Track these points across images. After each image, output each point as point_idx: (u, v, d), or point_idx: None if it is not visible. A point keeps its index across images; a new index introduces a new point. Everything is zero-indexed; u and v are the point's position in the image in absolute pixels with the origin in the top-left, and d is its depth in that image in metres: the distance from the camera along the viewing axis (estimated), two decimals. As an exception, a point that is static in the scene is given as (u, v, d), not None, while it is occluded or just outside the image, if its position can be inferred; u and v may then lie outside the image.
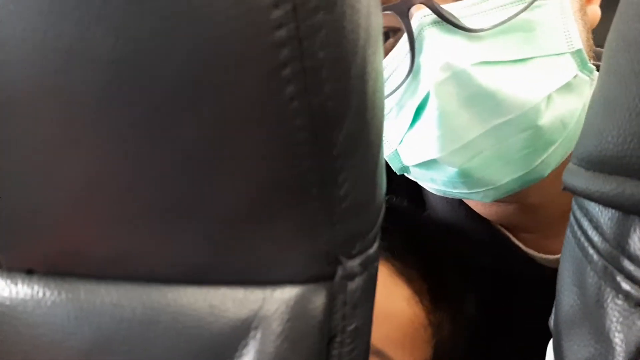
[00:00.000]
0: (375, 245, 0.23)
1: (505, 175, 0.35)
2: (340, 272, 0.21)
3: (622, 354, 0.22)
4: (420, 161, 0.37)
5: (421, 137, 0.36)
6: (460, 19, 0.33)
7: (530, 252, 0.45)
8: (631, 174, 0.21)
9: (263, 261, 0.20)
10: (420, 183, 0.43)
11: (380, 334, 0.40)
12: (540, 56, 0.33)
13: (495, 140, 0.34)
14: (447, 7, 0.33)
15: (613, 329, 0.22)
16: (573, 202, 0.26)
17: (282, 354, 0.20)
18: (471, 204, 0.47)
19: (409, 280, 0.44)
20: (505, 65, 0.32)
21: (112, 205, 0.19)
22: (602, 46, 0.24)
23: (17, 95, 0.17)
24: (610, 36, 0.23)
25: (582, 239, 0.25)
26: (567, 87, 0.33)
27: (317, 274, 0.21)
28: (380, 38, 0.22)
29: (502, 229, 0.46)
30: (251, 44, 0.16)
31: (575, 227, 0.26)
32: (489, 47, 0.32)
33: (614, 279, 0.22)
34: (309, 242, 0.20)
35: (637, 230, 0.21)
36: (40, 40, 0.16)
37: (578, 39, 0.34)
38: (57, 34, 0.16)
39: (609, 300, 0.23)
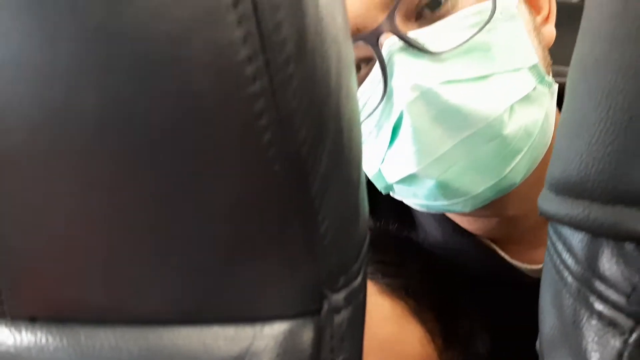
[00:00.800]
0: (360, 278, 0.24)
1: (479, 185, 0.38)
2: (326, 306, 0.23)
3: (599, 375, 0.23)
4: (402, 177, 0.40)
5: (400, 153, 0.39)
6: (424, 44, 0.37)
7: (516, 263, 0.47)
8: (595, 198, 0.22)
9: (252, 299, 0.21)
10: (405, 201, 0.46)
11: None
12: (499, 72, 0.36)
13: (466, 151, 0.36)
14: (412, 34, 0.37)
15: (589, 348, 0.23)
16: (549, 227, 0.28)
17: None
18: (457, 220, 0.49)
19: (423, 321, 0.44)
20: (467, 82, 0.36)
21: (104, 255, 0.20)
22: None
23: (10, 151, 0.19)
24: (572, 63, 0.25)
25: (558, 262, 0.26)
26: (527, 99, 0.36)
27: (304, 309, 0.22)
28: (354, 74, 0.24)
29: (489, 243, 0.48)
30: (228, 97, 0.18)
31: (552, 251, 0.27)
32: (452, 67, 0.36)
33: (588, 300, 0.24)
34: (293, 279, 0.21)
35: (605, 251, 0.23)
36: (34, 101, 0.18)
37: (533, 55, 0.37)
38: (49, 96, 0.18)
39: (584, 321, 0.24)
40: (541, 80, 0.38)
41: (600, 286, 0.23)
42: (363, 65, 0.42)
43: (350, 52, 0.23)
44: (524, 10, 0.39)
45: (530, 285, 0.42)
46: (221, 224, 0.20)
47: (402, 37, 0.36)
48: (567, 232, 0.25)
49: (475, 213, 0.44)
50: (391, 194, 0.45)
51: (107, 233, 0.20)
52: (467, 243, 0.48)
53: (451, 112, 0.35)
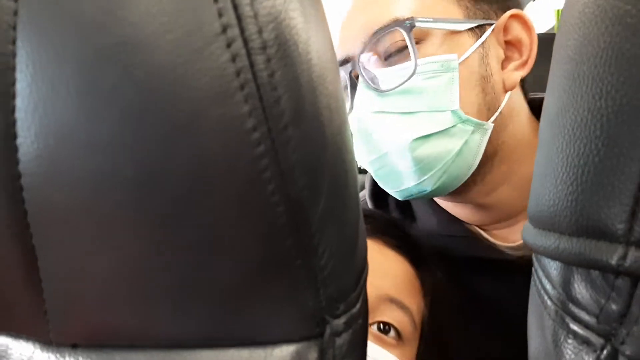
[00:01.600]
0: (358, 306, 0.27)
1: (401, 184, 0.51)
2: (328, 330, 0.26)
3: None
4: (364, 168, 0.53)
5: (359, 151, 0.52)
6: (381, 81, 0.49)
7: (496, 242, 0.57)
8: (563, 231, 0.25)
9: (263, 325, 0.25)
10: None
11: (388, 284, 0.51)
12: (424, 111, 0.47)
13: (386, 162, 0.49)
14: (378, 70, 0.49)
15: (567, 366, 0.26)
16: (533, 255, 0.30)
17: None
18: (449, 208, 0.60)
19: (398, 249, 0.54)
20: (396, 114, 0.48)
21: (136, 290, 0.24)
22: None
23: (61, 207, 0.23)
24: (542, 112, 0.28)
25: (539, 287, 0.29)
26: (446, 133, 0.47)
27: (309, 333, 0.25)
28: (348, 128, 0.28)
29: (475, 228, 0.58)
30: (238, 158, 0.21)
31: (535, 278, 0.30)
32: (390, 102, 0.48)
33: (564, 321, 0.26)
34: (298, 306, 0.25)
35: (576, 278, 0.25)
36: (83, 169, 0.22)
37: (457, 102, 0.47)
38: (95, 163, 0.22)
39: (562, 340, 0.26)
40: (462, 120, 0.47)
41: (574, 308, 0.26)
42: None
43: (343, 110, 0.26)
44: (475, 63, 0.48)
45: (509, 262, 0.54)
46: (235, 261, 0.23)
47: (363, 78, 0.49)
48: (545, 261, 0.28)
49: (453, 199, 0.56)
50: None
51: (140, 274, 0.23)
52: (455, 228, 0.58)
53: (372, 134, 0.49)
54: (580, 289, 0.25)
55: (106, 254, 0.23)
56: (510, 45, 0.51)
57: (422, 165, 0.49)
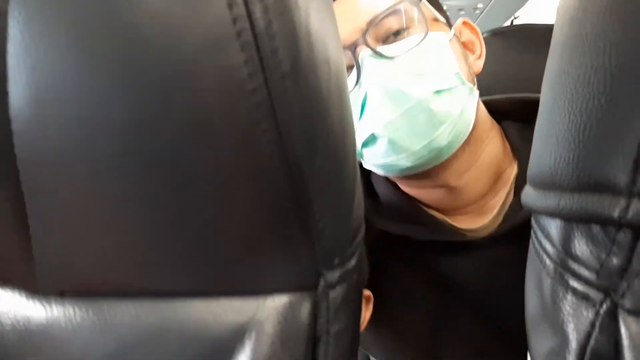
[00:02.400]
0: (354, 261, 0.27)
1: (416, 143, 0.53)
2: (322, 282, 0.25)
3: (574, 342, 0.25)
4: (366, 138, 0.56)
5: (366, 122, 0.55)
6: (387, 53, 0.54)
7: (456, 224, 0.61)
8: (564, 188, 0.24)
9: (256, 275, 0.24)
10: (367, 165, 0.61)
11: None
12: (433, 72, 0.53)
13: (407, 118, 0.52)
14: (378, 48, 0.54)
15: (566, 321, 0.25)
16: (532, 218, 0.30)
17: (274, 352, 0.24)
18: (413, 192, 0.63)
19: None
20: (409, 75, 0.53)
21: (128, 236, 0.23)
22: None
23: (52, 153, 0.22)
24: (544, 78, 0.28)
25: (538, 248, 0.28)
26: (452, 91, 0.54)
27: (303, 284, 0.25)
28: (346, 85, 0.27)
29: (436, 213, 0.62)
30: (233, 108, 0.21)
31: (534, 239, 0.29)
32: (400, 66, 0.53)
33: (564, 279, 0.26)
34: (292, 257, 0.24)
35: (577, 234, 0.25)
36: (75, 115, 0.21)
37: (456, 66, 0.55)
38: (88, 110, 0.21)
39: (561, 297, 0.26)
40: (462, 83, 0.54)
41: (573, 265, 0.25)
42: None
43: (342, 68, 0.26)
44: (456, 46, 0.58)
45: (470, 243, 0.58)
46: (231, 211, 0.22)
47: (370, 47, 0.54)
48: (545, 221, 0.27)
49: (424, 184, 0.59)
50: (361, 161, 0.61)
51: (132, 220, 0.23)
52: (419, 214, 0.62)
53: (395, 92, 0.52)
54: (581, 245, 0.25)
55: (98, 200, 0.22)
56: (465, 45, 0.61)
57: (436, 120, 0.52)
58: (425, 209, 0.63)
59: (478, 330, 0.60)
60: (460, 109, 0.54)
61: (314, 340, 0.25)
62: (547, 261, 0.27)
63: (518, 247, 0.57)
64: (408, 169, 0.56)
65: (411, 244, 0.61)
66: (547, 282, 0.27)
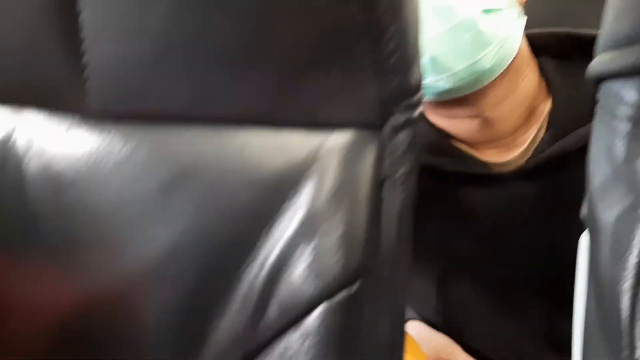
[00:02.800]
0: (417, 111, 0.25)
1: (459, 64, 0.51)
2: (389, 123, 0.24)
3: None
4: None
5: (427, 26, 0.51)
6: None
7: (486, 160, 0.59)
8: None
9: (321, 106, 0.23)
10: None
11: None
12: None
13: (451, 36, 0.50)
14: None
15: (642, 177, 0.24)
16: (599, 94, 0.29)
17: (340, 188, 0.22)
18: (445, 124, 0.61)
19: None
20: None
21: (189, 52, 0.22)
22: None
23: None
24: None
25: (608, 117, 0.27)
26: (499, 13, 0.52)
27: (369, 121, 0.23)
28: None
29: (463, 146, 0.61)
30: None
31: (602, 112, 0.28)
32: None
33: (640, 136, 0.24)
34: (361, 89, 0.23)
35: None
36: None
37: None
38: None
39: (637, 155, 0.24)
40: (511, 5, 0.52)
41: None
42: None
43: None
44: None
45: (495, 176, 0.58)
46: (300, 27, 0.21)
47: None
48: (618, 86, 0.26)
49: (457, 113, 0.58)
50: None
51: (194, 33, 0.22)
52: (446, 145, 0.61)
53: (443, 7, 0.50)
54: None
55: (158, 8, 0.21)
56: None
57: (483, 40, 0.51)
58: (452, 141, 0.61)
59: (491, 274, 0.59)
60: (507, 32, 0.52)
61: (379, 181, 0.23)
62: (621, 126, 0.26)
63: (543, 183, 0.57)
64: (446, 92, 0.54)
65: (434, 177, 0.59)
66: (620, 146, 0.26)
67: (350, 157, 0.23)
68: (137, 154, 0.22)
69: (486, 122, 0.57)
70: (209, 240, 0.21)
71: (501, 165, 0.59)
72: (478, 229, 0.60)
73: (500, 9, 0.52)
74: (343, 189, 0.22)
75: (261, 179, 0.22)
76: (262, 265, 0.21)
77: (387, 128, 0.24)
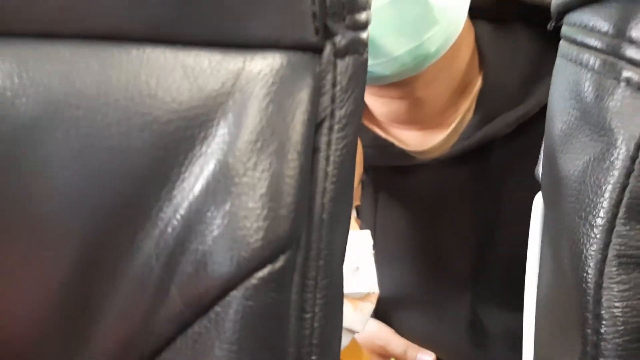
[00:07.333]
0: (365, 33, 0.21)
1: (401, 47, 0.44)
2: (329, 45, 0.19)
3: (624, 143, 0.21)
4: None
5: None
6: None
7: (409, 150, 0.56)
8: None
9: (241, 19, 0.17)
10: None
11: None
12: None
13: (394, 11, 0.42)
14: None
15: (614, 119, 0.21)
16: (563, 27, 0.25)
17: (264, 128, 0.18)
18: (371, 103, 0.56)
19: None
20: None
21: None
22: None
23: None
24: None
25: (575, 51, 0.23)
26: None
27: (304, 41, 0.18)
28: None
29: (386, 136, 0.57)
30: None
31: (567, 47, 0.24)
32: None
33: (614, 68, 0.21)
34: (293, -1, 0.18)
35: (638, 14, 0.20)
36: None
37: None
38: None
39: (608, 92, 0.21)
40: None
41: (630, 50, 0.21)
42: None
43: None
44: None
45: (420, 165, 0.54)
46: None
47: None
48: (588, 15, 0.23)
49: (385, 94, 0.52)
50: None
51: None
52: (366, 133, 0.56)
53: None
54: None
55: None
56: None
57: (431, 17, 0.43)
58: (375, 128, 0.57)
59: (421, 260, 0.58)
60: (456, 6, 0.44)
61: (314, 123, 0.19)
62: (591, 59, 0.22)
63: (469, 169, 0.53)
64: (382, 78, 0.47)
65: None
66: (589, 82, 0.22)
67: (279, 88, 0.18)
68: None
69: (416, 103, 0.52)
70: (89, 203, 0.16)
71: (425, 152, 0.55)
72: (406, 217, 0.58)
73: None
74: (268, 131, 0.18)
75: (161, 116, 0.17)
76: (159, 238, 0.16)
77: (328, 51, 0.19)
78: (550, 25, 0.27)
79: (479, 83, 0.52)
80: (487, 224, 0.55)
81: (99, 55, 0.17)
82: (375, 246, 0.51)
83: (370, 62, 0.44)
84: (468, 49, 0.52)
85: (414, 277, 0.60)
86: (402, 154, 0.55)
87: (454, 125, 0.53)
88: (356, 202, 0.59)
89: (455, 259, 0.57)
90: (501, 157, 0.52)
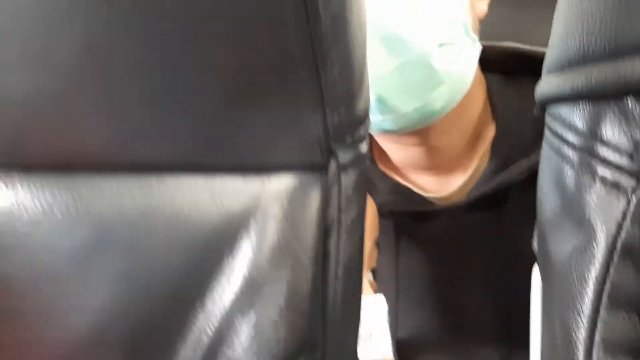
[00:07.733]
0: (365, 146, 0.24)
1: (408, 105, 0.47)
2: (334, 163, 0.22)
3: (602, 236, 0.23)
4: None
5: (379, 59, 0.47)
6: None
7: (425, 194, 0.58)
8: (596, 59, 0.22)
9: (258, 147, 0.21)
10: None
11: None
12: (435, 20, 0.46)
13: (401, 74, 0.46)
14: None
15: (593, 214, 0.23)
16: (546, 117, 0.28)
17: (283, 240, 0.20)
18: (384, 145, 0.58)
19: None
20: (410, 21, 0.45)
21: (107, 93, 0.19)
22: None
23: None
24: None
25: (557, 142, 0.26)
26: (453, 46, 0.47)
27: (312, 162, 0.21)
28: None
29: (405, 182, 0.60)
30: None
31: (550, 136, 0.27)
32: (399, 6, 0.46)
33: (590, 167, 0.24)
34: (301, 127, 0.21)
35: (608, 114, 0.23)
36: None
37: (465, 14, 0.48)
38: None
39: (586, 189, 0.24)
40: (467, 34, 0.48)
41: (602, 150, 0.23)
42: None
43: None
44: None
45: (439, 211, 0.56)
46: (231, 61, 0.19)
47: None
48: (566, 111, 0.25)
49: (400, 140, 0.55)
50: None
51: (109, 73, 0.19)
52: (385, 179, 0.59)
53: (395, 38, 0.45)
54: (612, 126, 0.23)
55: (69, 41, 0.18)
56: None
57: (436, 79, 0.46)
58: (393, 174, 0.59)
59: (443, 306, 0.58)
60: (462, 68, 0.47)
61: (324, 229, 0.22)
62: (570, 153, 0.25)
63: (488, 216, 0.55)
64: (391, 131, 0.50)
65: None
66: (570, 176, 0.25)
67: (292, 207, 0.21)
68: (52, 211, 0.20)
69: (431, 150, 0.55)
70: (135, 316, 0.18)
71: (443, 199, 0.57)
72: (428, 262, 0.58)
73: (454, 42, 0.47)
74: (284, 247, 0.20)
75: (194, 236, 0.20)
76: (196, 347, 0.19)
77: (333, 168, 0.22)
78: (535, 111, 0.30)
79: (492, 131, 0.55)
80: (508, 270, 0.55)
81: (141, 185, 0.20)
82: (398, 288, 0.54)
83: (380, 117, 0.49)
84: (480, 100, 0.55)
85: (439, 322, 0.59)
86: (421, 199, 0.57)
87: (470, 171, 0.55)
88: (372, 264, 0.60)
89: (480, 306, 0.57)
90: (517, 204, 0.54)
